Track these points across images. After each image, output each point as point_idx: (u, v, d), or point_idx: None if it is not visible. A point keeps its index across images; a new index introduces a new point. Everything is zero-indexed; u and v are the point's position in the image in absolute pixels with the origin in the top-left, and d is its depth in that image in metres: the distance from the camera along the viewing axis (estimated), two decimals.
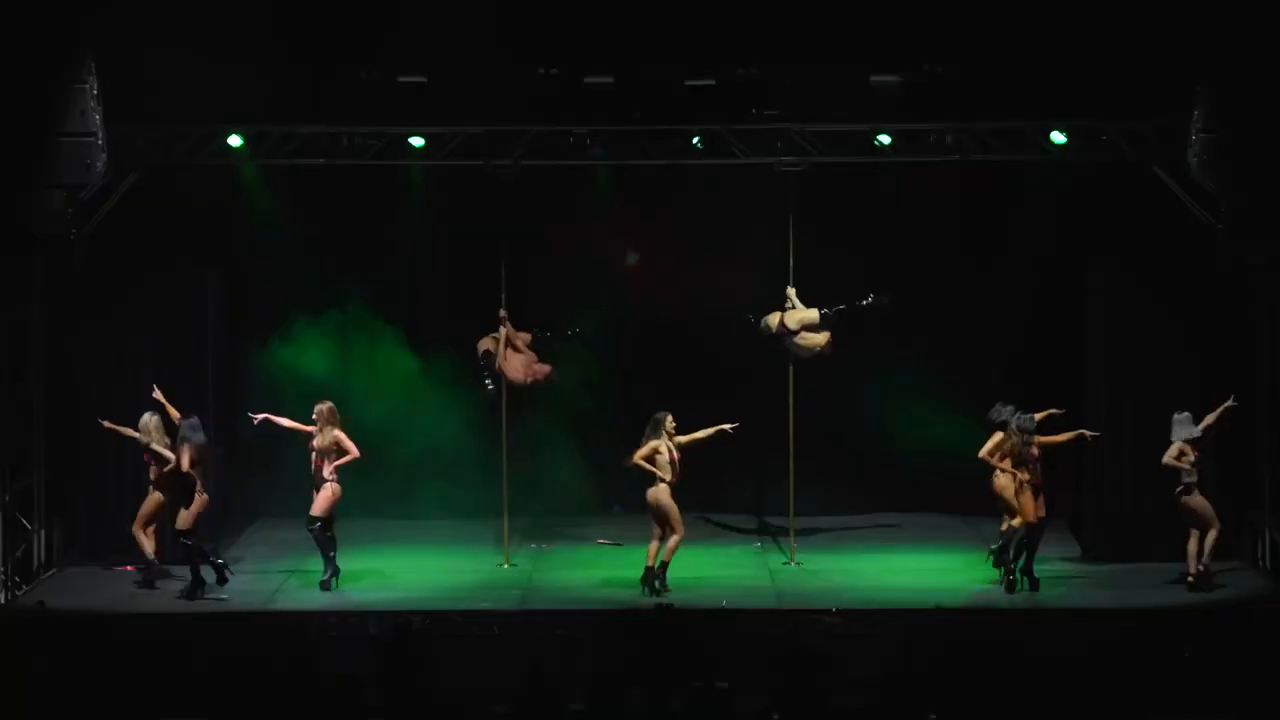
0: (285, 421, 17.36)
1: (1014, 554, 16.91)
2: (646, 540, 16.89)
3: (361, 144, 17.79)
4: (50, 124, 16.66)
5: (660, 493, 16.89)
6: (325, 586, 17.11)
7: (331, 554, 17.15)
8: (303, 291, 19.36)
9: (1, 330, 17.18)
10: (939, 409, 19.00)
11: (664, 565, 16.91)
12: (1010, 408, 17.08)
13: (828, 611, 16.00)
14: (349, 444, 17.14)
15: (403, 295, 19.64)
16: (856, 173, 18.32)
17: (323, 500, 17.10)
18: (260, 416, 17.40)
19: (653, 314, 19.94)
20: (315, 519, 17.08)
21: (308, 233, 19.23)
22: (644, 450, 16.90)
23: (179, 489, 17.13)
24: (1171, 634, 14.62)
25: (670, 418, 17.02)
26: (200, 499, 17.05)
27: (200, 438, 17.09)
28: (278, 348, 19.12)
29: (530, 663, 12.72)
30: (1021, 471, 16.83)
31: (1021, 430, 16.87)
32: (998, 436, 17.03)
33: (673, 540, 16.92)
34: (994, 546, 17.36)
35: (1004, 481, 16.98)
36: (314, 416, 17.19)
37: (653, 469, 16.86)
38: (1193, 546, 16.92)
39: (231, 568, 17.34)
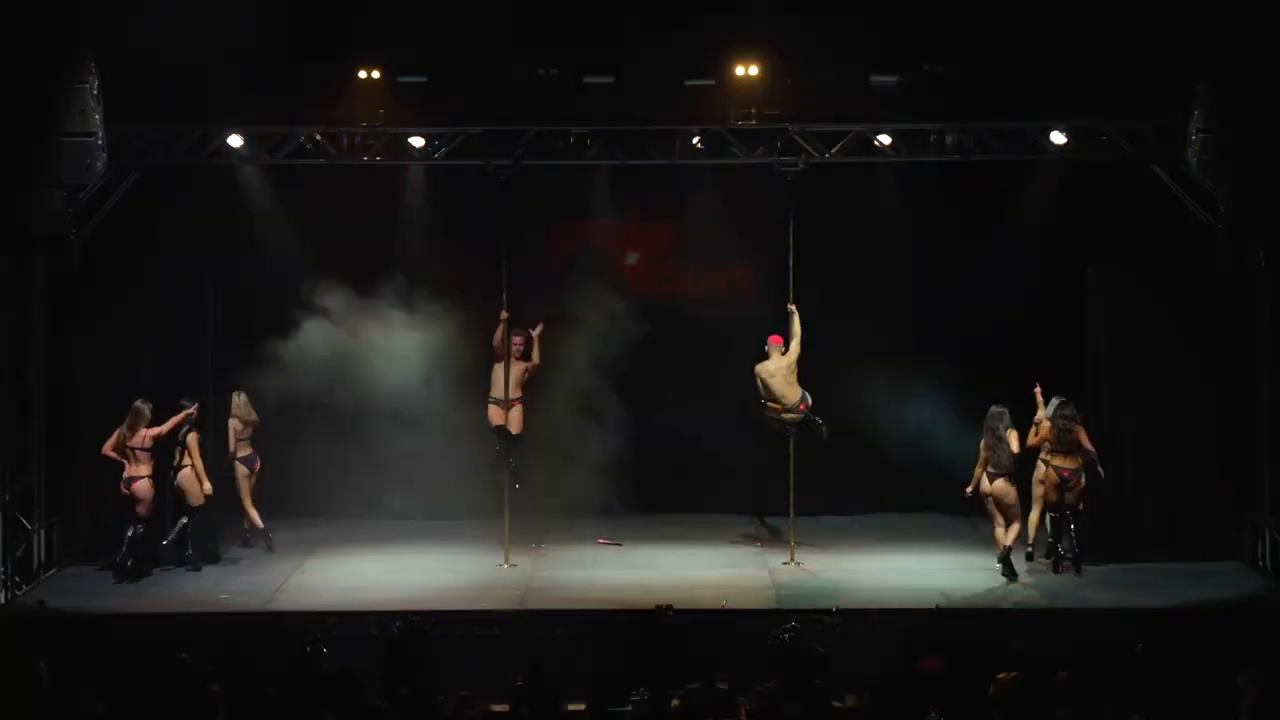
0: None
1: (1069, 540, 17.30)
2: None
3: (361, 144, 17.80)
4: (50, 124, 16.64)
5: (1006, 483, 17.17)
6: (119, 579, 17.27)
7: (120, 558, 17.27)
8: (302, 291, 19.35)
9: (1, 330, 17.17)
10: (938, 409, 19.02)
11: (1009, 550, 17.10)
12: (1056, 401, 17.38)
13: (828, 611, 15.98)
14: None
15: (402, 294, 19.61)
16: (855, 172, 18.32)
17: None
18: None
19: (652, 313, 19.93)
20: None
21: (307, 232, 19.24)
22: (1014, 441, 17.11)
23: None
24: (1171, 634, 14.60)
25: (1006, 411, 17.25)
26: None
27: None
28: (277, 347, 19.12)
29: (530, 663, 12.73)
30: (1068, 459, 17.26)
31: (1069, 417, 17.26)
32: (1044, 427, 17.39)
33: (1016, 529, 17.17)
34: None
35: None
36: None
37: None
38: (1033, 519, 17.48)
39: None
